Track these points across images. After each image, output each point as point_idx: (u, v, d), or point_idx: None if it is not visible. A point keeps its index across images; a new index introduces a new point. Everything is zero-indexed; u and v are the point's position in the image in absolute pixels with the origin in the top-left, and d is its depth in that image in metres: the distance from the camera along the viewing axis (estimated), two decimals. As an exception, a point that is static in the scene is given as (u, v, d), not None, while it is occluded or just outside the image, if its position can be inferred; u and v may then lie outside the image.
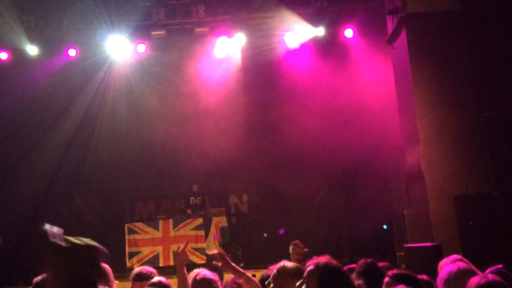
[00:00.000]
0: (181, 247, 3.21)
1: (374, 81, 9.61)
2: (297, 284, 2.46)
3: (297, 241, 3.83)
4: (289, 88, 10.51)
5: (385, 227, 5.28)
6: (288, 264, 3.03)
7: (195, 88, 10.73)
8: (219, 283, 3.32)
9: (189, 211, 9.80)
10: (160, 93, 10.86)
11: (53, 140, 10.83)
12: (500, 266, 3.09)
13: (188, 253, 10.06)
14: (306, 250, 3.73)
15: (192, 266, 6.13)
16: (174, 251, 3.32)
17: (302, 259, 3.68)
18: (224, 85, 10.66)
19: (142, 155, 11.04)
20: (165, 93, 10.85)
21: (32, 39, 9.98)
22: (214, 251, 3.42)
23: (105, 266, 3.39)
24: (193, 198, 9.93)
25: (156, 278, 3.20)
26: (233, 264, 3.34)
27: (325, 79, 10.15)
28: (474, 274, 2.53)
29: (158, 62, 10.50)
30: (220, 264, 3.32)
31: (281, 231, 9.13)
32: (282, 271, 2.96)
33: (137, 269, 3.64)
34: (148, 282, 3.15)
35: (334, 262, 2.54)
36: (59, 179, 10.87)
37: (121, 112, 11.03)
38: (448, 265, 2.70)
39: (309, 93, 10.32)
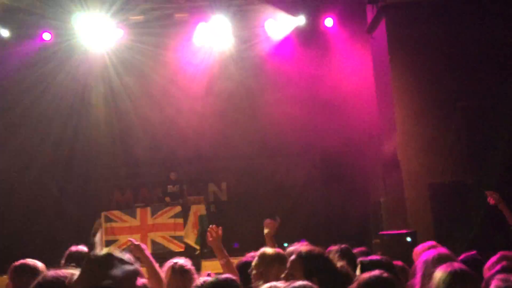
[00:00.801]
0: (131, 243, 3.20)
1: (354, 70, 9.66)
2: (282, 276, 2.45)
3: (266, 220, 3.87)
4: (269, 77, 10.48)
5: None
6: (268, 250, 3.05)
7: (174, 75, 10.60)
8: (194, 273, 3.32)
9: (167, 199, 9.73)
10: (138, 80, 10.69)
11: (28, 126, 10.57)
12: (474, 252, 3.18)
13: (166, 241, 9.93)
14: (276, 222, 3.76)
15: (170, 254, 6.09)
16: (130, 246, 3.30)
17: (275, 233, 3.71)
18: (204, 72, 10.55)
19: (120, 142, 10.89)
20: (143, 80, 10.68)
21: (5, 22, 9.66)
22: (215, 226, 3.42)
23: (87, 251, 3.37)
24: (171, 186, 9.86)
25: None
26: (220, 244, 3.35)
27: (306, 68, 10.15)
28: (453, 260, 2.58)
29: (136, 48, 10.30)
30: (210, 238, 3.35)
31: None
32: (262, 257, 2.97)
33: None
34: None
35: (316, 248, 2.56)
36: (34, 166, 10.61)
37: (98, 98, 10.82)
38: (430, 250, 2.75)
39: (290, 82, 10.32)
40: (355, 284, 2.09)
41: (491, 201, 4.20)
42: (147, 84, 10.69)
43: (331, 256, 3.11)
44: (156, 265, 3.15)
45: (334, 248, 3.29)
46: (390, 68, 7.61)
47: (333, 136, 9.78)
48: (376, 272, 2.16)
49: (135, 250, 3.17)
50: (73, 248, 3.47)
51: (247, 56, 10.42)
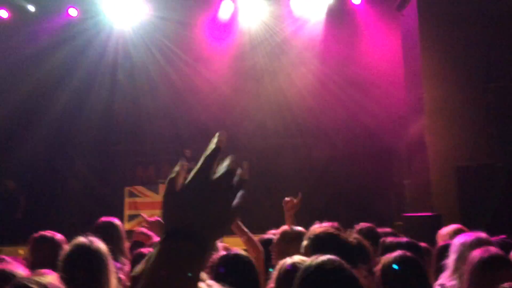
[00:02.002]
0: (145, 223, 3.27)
1: (382, 49, 9.40)
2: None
3: (286, 199, 3.85)
4: (295, 55, 10.32)
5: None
6: (289, 228, 3.05)
7: (199, 52, 10.54)
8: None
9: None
10: (163, 57, 10.67)
11: (55, 101, 10.72)
12: (504, 236, 3.09)
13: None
14: (296, 201, 3.74)
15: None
16: (146, 221, 3.43)
17: (295, 211, 3.73)
18: (229, 49, 10.46)
19: (143, 119, 10.96)
20: (166, 58, 10.66)
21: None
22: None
23: (117, 222, 3.43)
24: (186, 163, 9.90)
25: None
26: (239, 222, 3.39)
27: (333, 46, 9.94)
28: (490, 245, 2.51)
29: (162, 24, 10.27)
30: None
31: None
32: (283, 235, 2.97)
33: (137, 229, 3.72)
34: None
35: (331, 228, 2.54)
36: (61, 141, 10.82)
37: (124, 75, 10.88)
38: (468, 233, 2.69)
39: (317, 60, 10.14)
40: (380, 265, 2.05)
41: None
42: (172, 60, 10.67)
43: (353, 235, 3.08)
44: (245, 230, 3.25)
45: (359, 227, 3.26)
46: (419, 47, 7.37)
47: (357, 116, 9.61)
48: (399, 252, 2.13)
49: (153, 225, 3.23)
50: (104, 219, 3.51)
51: (274, 33, 10.27)
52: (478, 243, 2.49)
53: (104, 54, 10.53)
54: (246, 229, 3.39)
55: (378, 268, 2.03)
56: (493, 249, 2.30)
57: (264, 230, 4.17)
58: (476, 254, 2.27)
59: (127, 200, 9.33)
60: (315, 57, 10.13)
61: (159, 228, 3.19)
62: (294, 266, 2.07)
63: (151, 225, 3.31)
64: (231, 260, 2.42)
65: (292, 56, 10.35)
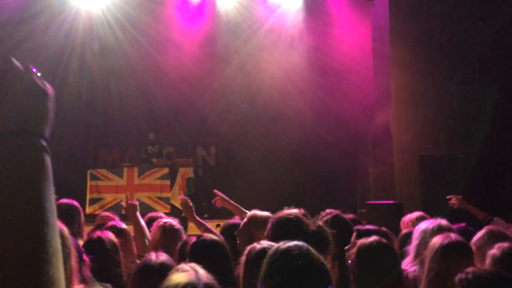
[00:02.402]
0: (124, 202, 3.28)
1: (352, 38, 9.46)
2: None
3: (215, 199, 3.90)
4: (266, 42, 10.24)
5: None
6: (259, 212, 3.05)
7: (167, 34, 10.30)
8: (183, 232, 3.33)
9: (154, 160, 9.64)
10: (131, 38, 10.36)
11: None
12: (463, 224, 3.17)
13: (152, 202, 9.94)
14: (218, 197, 3.79)
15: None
16: (122, 205, 3.46)
17: (225, 203, 3.78)
18: (199, 31, 10.27)
19: (109, 100, 10.66)
20: (136, 38, 10.36)
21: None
22: (182, 197, 3.68)
23: (77, 205, 3.33)
24: (151, 147, 9.75)
25: (112, 222, 3.17)
26: (194, 214, 3.50)
27: (304, 33, 9.94)
28: (452, 231, 2.57)
29: (131, 3, 9.96)
30: (184, 212, 3.55)
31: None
32: (253, 219, 2.97)
33: (102, 213, 3.67)
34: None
35: (293, 213, 2.55)
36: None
37: (90, 54, 10.51)
38: (431, 220, 2.74)
39: (287, 48, 10.11)
40: (354, 249, 2.06)
41: (453, 205, 4.19)
42: (141, 41, 10.37)
43: (321, 222, 3.10)
44: (143, 224, 3.18)
45: (326, 213, 3.27)
46: (389, 38, 7.45)
47: (327, 103, 9.68)
48: (375, 238, 2.15)
49: (129, 209, 3.19)
50: (64, 200, 3.40)
51: (247, 17, 10.15)
52: (439, 230, 2.54)
53: (70, 33, 10.12)
54: (202, 221, 3.44)
55: (353, 252, 2.05)
56: (453, 235, 2.34)
57: (231, 215, 4.16)
58: (437, 240, 2.31)
59: (90, 183, 9.09)
60: (287, 43, 10.10)
61: (134, 213, 3.17)
62: (263, 251, 2.06)
63: (128, 208, 3.26)
64: (205, 244, 2.39)
65: (264, 42, 10.27)
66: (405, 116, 7.20)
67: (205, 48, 10.31)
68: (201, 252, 2.29)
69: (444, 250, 2.20)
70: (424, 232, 2.56)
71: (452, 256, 2.18)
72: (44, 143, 0.81)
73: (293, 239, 1.97)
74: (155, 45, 10.36)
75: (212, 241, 2.45)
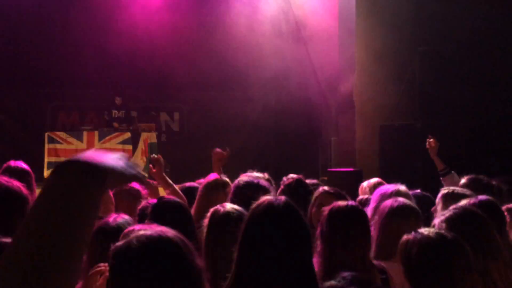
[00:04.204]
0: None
1: (319, 6, 9.38)
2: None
3: (216, 149, 3.89)
4: (228, 6, 10.01)
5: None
6: (211, 176, 3.09)
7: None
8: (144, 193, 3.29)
9: (115, 125, 9.41)
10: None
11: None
12: (418, 190, 3.30)
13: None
14: (226, 152, 3.82)
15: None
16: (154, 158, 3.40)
17: (223, 164, 3.79)
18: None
19: (69, 61, 10.22)
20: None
21: None
22: (154, 155, 3.60)
23: (28, 168, 3.21)
24: (115, 111, 9.51)
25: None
26: (163, 173, 3.42)
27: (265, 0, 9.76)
28: (409, 197, 2.66)
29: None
30: (154, 170, 3.40)
31: None
32: (210, 183, 2.99)
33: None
34: None
35: (255, 178, 2.58)
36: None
37: (50, 13, 9.98)
38: (390, 185, 2.82)
39: (248, 14, 9.91)
40: (327, 211, 2.10)
41: (427, 145, 4.34)
42: (104, 1, 9.90)
43: (285, 186, 3.16)
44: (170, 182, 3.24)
45: (288, 178, 3.32)
46: (354, 6, 7.44)
47: (289, 72, 9.66)
48: (351, 202, 2.19)
49: (156, 163, 3.25)
50: (12, 163, 3.28)
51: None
52: (397, 194, 2.62)
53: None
54: (170, 181, 3.38)
55: (325, 213, 2.08)
56: (401, 199, 2.43)
57: (192, 180, 4.13)
58: (387, 203, 2.39)
59: (47, 146, 8.81)
60: (251, 8, 9.91)
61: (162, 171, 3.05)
62: (227, 214, 2.07)
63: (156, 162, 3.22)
64: (166, 206, 2.36)
65: (230, 6, 10.03)
66: (368, 86, 7.30)
67: (171, 11, 9.99)
68: (162, 214, 2.23)
69: (393, 213, 2.28)
70: (382, 196, 2.64)
71: (401, 219, 2.26)
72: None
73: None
74: (114, 7, 9.94)
75: (175, 203, 2.42)
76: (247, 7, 9.90)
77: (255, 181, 2.56)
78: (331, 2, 8.92)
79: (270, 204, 1.59)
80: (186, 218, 2.32)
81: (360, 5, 7.49)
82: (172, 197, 2.63)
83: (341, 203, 2.15)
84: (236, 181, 2.59)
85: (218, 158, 3.85)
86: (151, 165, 3.48)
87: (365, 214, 2.20)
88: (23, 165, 3.30)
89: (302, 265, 1.53)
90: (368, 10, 7.46)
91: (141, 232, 1.30)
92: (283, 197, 1.64)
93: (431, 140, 4.29)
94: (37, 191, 3.27)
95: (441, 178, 4.09)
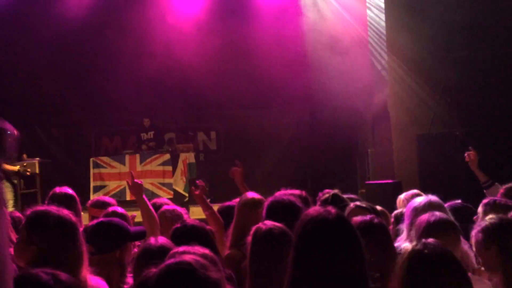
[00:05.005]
0: (129, 181, 3.23)
1: (348, 16, 9.40)
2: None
3: (231, 170, 3.96)
4: (260, 21, 10.16)
5: None
6: (247, 195, 3.14)
7: (162, 18, 10.23)
8: (186, 217, 3.41)
9: (144, 147, 9.70)
10: (123, 23, 10.29)
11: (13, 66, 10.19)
12: (459, 201, 3.25)
13: (155, 188, 10.01)
14: (238, 167, 3.87)
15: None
16: (128, 183, 3.40)
17: (239, 178, 3.86)
18: (193, 14, 10.21)
19: (109, 88, 10.66)
20: (128, 23, 10.27)
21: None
22: (197, 180, 3.78)
23: (72, 193, 3.36)
24: (144, 133, 9.81)
25: (111, 208, 3.18)
26: (204, 197, 3.56)
27: (296, 14, 9.86)
28: (441, 207, 2.64)
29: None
30: (196, 193, 3.55)
31: None
32: (244, 203, 3.06)
33: (96, 197, 3.68)
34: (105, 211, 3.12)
35: (286, 197, 2.63)
36: (18, 106, 10.19)
37: (87, 41, 10.46)
38: (421, 197, 2.80)
39: (279, 29, 10.04)
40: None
41: (466, 157, 4.24)
42: (133, 29, 10.30)
43: (321, 202, 3.19)
44: (151, 207, 3.18)
45: (324, 193, 3.35)
46: (384, 16, 7.43)
47: (324, 86, 9.68)
48: (368, 217, 2.21)
49: (134, 188, 3.17)
50: (57, 189, 3.44)
51: (241, 3, 10.08)
52: (430, 206, 2.61)
53: (66, 14, 9.95)
54: (209, 204, 3.51)
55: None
56: (438, 213, 2.41)
57: (231, 199, 4.23)
58: (423, 218, 2.38)
59: (93, 171, 9.19)
60: (285, 24, 10.03)
61: (140, 193, 3.14)
62: (270, 232, 2.14)
63: (133, 187, 3.23)
64: (188, 231, 2.45)
65: (265, 23, 10.15)
66: (402, 95, 7.23)
67: (201, 31, 10.25)
68: (182, 237, 2.32)
69: (429, 228, 2.27)
70: (415, 210, 2.63)
71: (437, 233, 2.25)
72: None
73: (286, 221, 2.06)
74: (151, 29, 10.29)
75: (193, 226, 2.51)
76: (277, 23, 10.03)
77: (286, 200, 2.62)
78: (361, 13, 8.93)
79: (324, 218, 1.62)
80: (206, 240, 2.36)
81: (389, 15, 7.48)
82: (192, 220, 2.72)
83: (360, 218, 2.18)
84: (268, 201, 2.65)
85: (236, 176, 3.93)
86: (193, 187, 3.64)
87: (384, 227, 2.20)
88: (68, 190, 3.42)
89: (358, 276, 1.56)
90: (398, 19, 7.43)
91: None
92: (333, 209, 1.67)
93: (471, 152, 4.19)
94: (83, 215, 3.45)
95: (484, 191, 3.98)
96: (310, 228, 1.61)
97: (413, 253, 1.72)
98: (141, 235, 2.60)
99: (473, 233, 2.13)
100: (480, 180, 4.07)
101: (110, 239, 2.32)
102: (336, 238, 1.59)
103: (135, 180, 3.21)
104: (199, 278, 1.37)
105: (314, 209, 1.70)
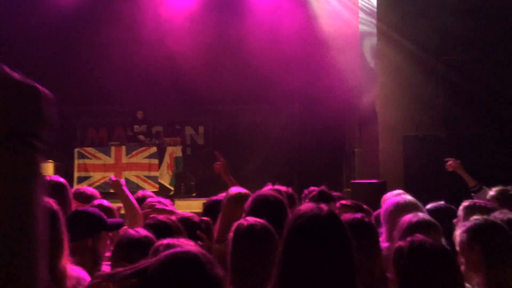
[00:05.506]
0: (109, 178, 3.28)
1: (338, 17, 9.43)
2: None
3: (215, 164, 3.94)
4: (253, 16, 10.15)
5: None
6: (233, 189, 3.12)
7: (155, 10, 10.15)
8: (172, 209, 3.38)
9: (141, 137, 9.64)
10: (117, 13, 10.19)
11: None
12: (442, 202, 3.28)
13: (140, 180, 9.95)
14: (221, 161, 3.87)
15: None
16: (108, 181, 3.48)
17: (223, 171, 3.85)
18: (187, 7, 10.14)
19: (96, 79, 10.55)
20: (120, 13, 10.18)
21: None
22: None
23: (63, 181, 3.33)
24: (137, 126, 9.74)
25: (97, 201, 3.17)
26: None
27: (288, 12, 9.86)
28: (418, 208, 2.66)
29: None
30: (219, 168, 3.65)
31: None
32: (227, 197, 3.05)
33: (79, 187, 3.64)
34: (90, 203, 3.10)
35: (272, 193, 2.63)
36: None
37: (77, 31, 10.34)
38: (395, 197, 2.81)
39: (271, 26, 10.04)
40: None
41: (448, 167, 4.26)
42: (126, 17, 10.20)
43: (309, 197, 3.19)
44: (134, 200, 3.18)
45: (310, 191, 3.36)
46: (376, 17, 7.47)
47: (313, 84, 9.71)
48: (358, 215, 2.22)
49: (114, 185, 3.20)
50: (47, 177, 3.38)
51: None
52: (404, 206, 2.63)
53: (59, 11, 9.85)
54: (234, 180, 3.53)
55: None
56: (421, 214, 2.44)
57: (217, 193, 4.21)
58: (406, 219, 2.41)
59: (77, 161, 9.09)
60: (273, 20, 10.02)
61: (120, 187, 3.18)
62: (251, 228, 2.13)
63: (113, 184, 3.26)
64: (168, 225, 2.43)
65: (253, 20, 10.16)
66: (390, 96, 7.28)
67: (194, 24, 10.19)
68: (164, 230, 2.32)
69: (411, 228, 2.29)
70: (389, 209, 2.65)
71: (418, 233, 2.27)
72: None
73: (269, 217, 2.05)
74: (142, 21, 10.21)
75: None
76: (270, 19, 10.02)
77: (270, 196, 2.61)
78: (353, 12, 8.97)
79: (315, 214, 1.62)
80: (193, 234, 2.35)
81: (381, 16, 7.52)
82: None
83: (350, 216, 2.19)
84: (253, 196, 2.63)
85: (220, 169, 3.91)
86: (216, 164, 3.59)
87: (372, 227, 2.22)
88: (59, 179, 3.38)
89: (347, 273, 1.57)
90: (389, 21, 7.48)
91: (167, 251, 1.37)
92: (325, 207, 1.67)
93: (450, 163, 4.21)
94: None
95: (472, 195, 4.02)
96: (301, 224, 1.61)
97: (412, 247, 1.75)
98: (117, 226, 2.58)
99: (458, 232, 2.15)
100: (468, 185, 4.10)
101: (82, 227, 2.31)
102: (327, 235, 1.59)
103: (114, 179, 3.26)
104: (208, 274, 1.31)
105: (306, 205, 1.70)
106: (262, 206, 2.45)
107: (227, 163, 3.84)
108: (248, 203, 2.54)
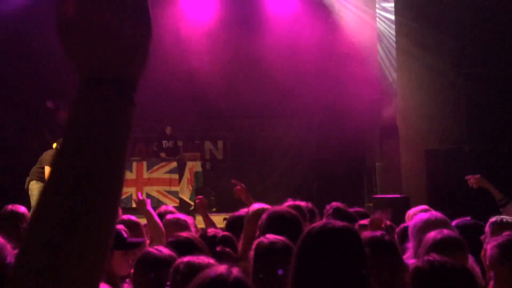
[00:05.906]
0: (135, 196, 3.43)
1: (357, 30, 9.44)
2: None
3: (235, 189, 3.99)
4: (274, 36, 10.23)
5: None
6: (256, 205, 3.12)
7: (177, 28, 10.32)
8: (192, 226, 3.42)
9: (162, 154, 9.73)
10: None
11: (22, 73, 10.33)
12: (468, 218, 3.21)
13: (161, 195, 10.03)
14: (239, 186, 3.92)
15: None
16: (134, 200, 3.58)
17: (244, 196, 3.88)
18: (205, 26, 10.29)
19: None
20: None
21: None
22: (200, 198, 4.06)
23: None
24: (165, 141, 9.84)
25: (126, 216, 3.24)
26: (206, 210, 3.93)
27: (307, 26, 9.91)
28: (448, 225, 2.61)
29: None
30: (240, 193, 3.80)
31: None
32: (250, 213, 3.04)
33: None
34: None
35: (286, 210, 2.61)
36: (27, 114, 10.33)
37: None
38: (425, 213, 2.77)
39: (290, 40, 10.09)
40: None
41: (471, 185, 4.15)
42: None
43: (326, 215, 3.16)
44: (158, 219, 3.24)
45: (331, 207, 3.33)
46: (395, 31, 7.44)
47: (332, 98, 9.69)
48: (378, 233, 2.19)
49: (139, 204, 3.29)
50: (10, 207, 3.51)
51: (249, 11, 10.15)
52: (432, 223, 2.58)
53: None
54: (209, 216, 3.75)
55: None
56: (446, 231, 2.39)
57: (238, 209, 4.22)
58: (430, 236, 2.36)
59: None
60: (294, 40, 10.08)
61: (144, 207, 3.28)
62: (272, 245, 2.12)
63: (138, 203, 3.37)
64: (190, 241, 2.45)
65: (272, 37, 10.23)
66: (411, 110, 7.21)
67: (213, 39, 10.31)
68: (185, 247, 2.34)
69: (436, 245, 2.25)
70: (417, 226, 2.61)
71: (443, 251, 2.22)
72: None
73: (285, 234, 2.04)
74: (164, 38, 10.38)
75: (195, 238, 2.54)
76: (289, 33, 10.08)
77: (285, 212, 2.59)
78: (372, 25, 8.96)
79: (328, 229, 1.63)
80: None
81: (400, 30, 7.49)
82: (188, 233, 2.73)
83: (369, 233, 2.16)
84: (268, 212, 2.61)
85: (241, 194, 3.93)
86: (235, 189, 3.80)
87: (394, 245, 2.18)
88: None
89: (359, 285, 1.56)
90: (408, 34, 7.44)
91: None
92: (340, 222, 1.67)
93: (470, 180, 4.11)
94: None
95: (500, 210, 3.91)
96: (313, 238, 1.62)
97: (426, 268, 1.73)
98: (134, 245, 2.58)
99: (489, 247, 2.11)
100: (495, 198, 4.00)
101: None
102: (339, 249, 1.59)
103: (140, 198, 3.40)
104: None
105: (320, 221, 1.71)
106: (277, 223, 2.44)
107: (245, 183, 3.92)
108: (262, 220, 2.52)
